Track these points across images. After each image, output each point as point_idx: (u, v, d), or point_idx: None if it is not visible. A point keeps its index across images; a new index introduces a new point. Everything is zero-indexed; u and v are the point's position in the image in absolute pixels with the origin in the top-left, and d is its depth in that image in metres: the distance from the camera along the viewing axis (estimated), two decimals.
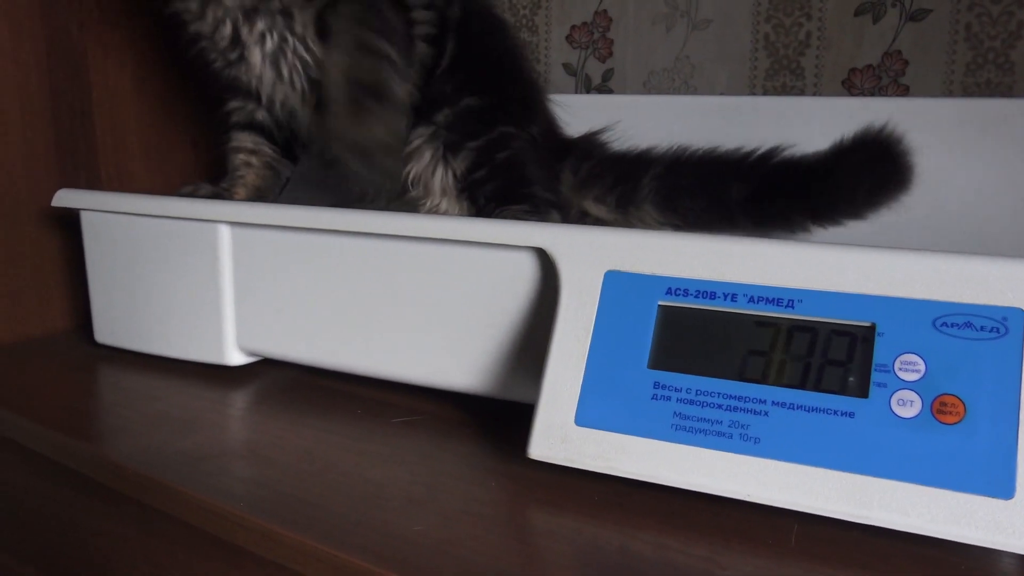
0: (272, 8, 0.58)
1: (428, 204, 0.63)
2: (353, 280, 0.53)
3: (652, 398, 0.41)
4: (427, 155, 0.62)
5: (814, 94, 0.92)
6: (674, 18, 0.99)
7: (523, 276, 0.47)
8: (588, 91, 1.05)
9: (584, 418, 0.42)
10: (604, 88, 1.04)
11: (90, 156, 0.69)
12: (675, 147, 0.68)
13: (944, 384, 0.37)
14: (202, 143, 0.79)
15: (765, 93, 0.94)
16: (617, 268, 0.44)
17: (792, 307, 0.40)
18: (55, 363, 0.62)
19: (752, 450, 0.39)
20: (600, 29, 1.03)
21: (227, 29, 0.59)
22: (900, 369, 0.37)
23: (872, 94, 0.89)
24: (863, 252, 0.39)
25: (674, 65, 0.99)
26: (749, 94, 0.95)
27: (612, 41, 1.03)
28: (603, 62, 1.04)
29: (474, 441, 0.48)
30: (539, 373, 0.43)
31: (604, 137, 0.75)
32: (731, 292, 0.41)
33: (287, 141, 0.67)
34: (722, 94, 0.97)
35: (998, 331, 0.37)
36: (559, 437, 0.42)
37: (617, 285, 0.44)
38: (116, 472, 0.46)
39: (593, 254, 0.44)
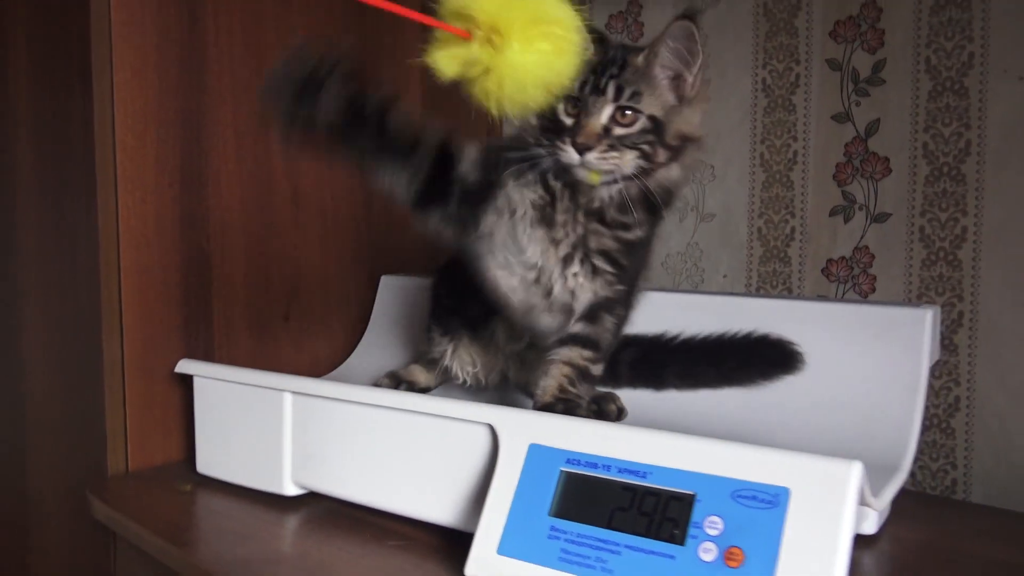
0: None
1: None
2: (373, 438, 0.72)
3: (548, 537, 0.58)
4: None
5: (800, 279, 1.08)
6: (685, 211, 1.18)
7: (478, 442, 0.66)
8: None
9: (504, 549, 0.59)
10: None
11: (208, 332, 0.94)
12: None
13: (734, 539, 0.52)
14: (293, 316, 1.03)
15: (759, 277, 1.11)
16: (537, 442, 0.62)
17: (645, 477, 0.57)
18: (171, 486, 0.85)
19: None
20: None
21: None
22: (707, 526, 0.53)
23: (845, 282, 1.04)
24: (690, 440, 0.56)
25: (686, 249, 1.18)
26: (746, 278, 1.12)
27: None
28: None
29: (437, 560, 0.66)
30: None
31: None
32: (607, 464, 0.59)
33: None
34: (724, 276, 1.14)
35: (772, 503, 0.52)
36: (486, 562, 0.59)
37: (536, 454, 0.62)
38: (196, 571, 0.67)
39: (522, 431, 0.63)
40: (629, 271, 0.76)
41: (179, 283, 0.92)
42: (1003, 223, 0.93)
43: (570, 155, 0.68)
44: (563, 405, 0.70)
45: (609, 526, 0.57)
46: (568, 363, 0.73)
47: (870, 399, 0.75)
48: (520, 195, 0.73)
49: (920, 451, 0.98)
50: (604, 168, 0.69)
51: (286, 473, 0.78)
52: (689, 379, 0.85)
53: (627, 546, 0.55)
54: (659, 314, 0.89)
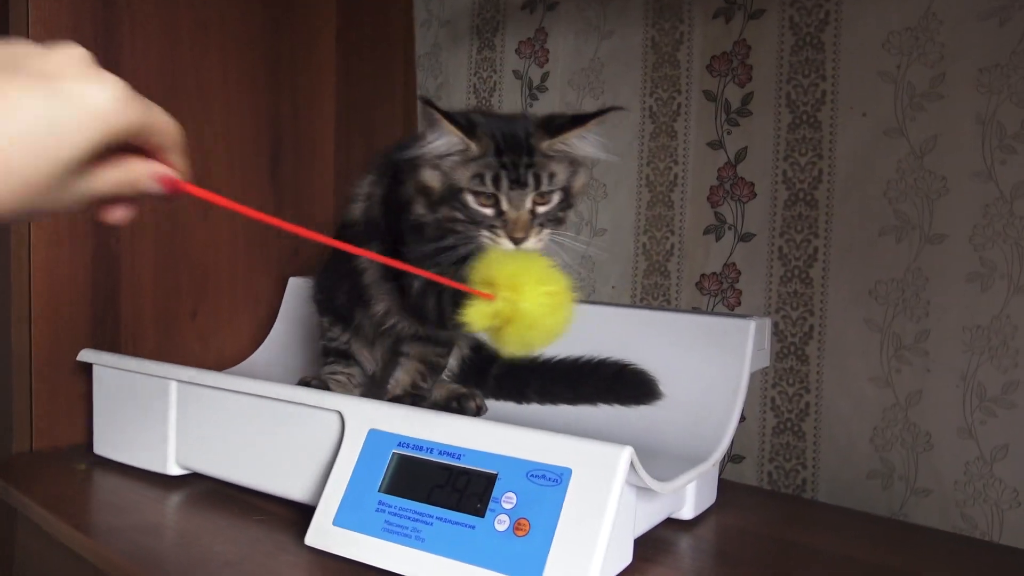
0: None
1: None
2: (245, 423, 0.80)
3: (376, 510, 0.66)
4: None
5: (677, 292, 1.17)
6: (581, 226, 1.27)
7: (329, 427, 0.73)
8: None
9: (338, 520, 0.67)
10: None
11: (115, 325, 1.01)
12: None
13: (523, 511, 0.61)
14: (200, 313, 1.11)
15: (643, 289, 1.20)
16: (376, 427, 0.70)
17: (460, 459, 0.65)
18: (69, 466, 0.92)
19: (420, 546, 0.63)
20: None
21: None
22: (504, 501, 0.62)
23: (716, 295, 1.13)
24: (497, 427, 0.64)
25: (580, 261, 1.27)
26: (631, 289, 1.21)
27: None
28: None
29: (290, 532, 0.73)
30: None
31: None
32: (431, 447, 0.67)
33: None
34: (613, 287, 1.23)
35: (557, 481, 0.61)
36: (323, 532, 0.67)
37: (374, 438, 0.70)
38: (78, 542, 0.74)
39: (364, 418, 0.71)
40: None
41: (88, 280, 0.99)
42: (848, 245, 1.03)
43: (506, 245, 0.72)
44: (411, 399, 0.79)
45: (427, 501, 0.65)
46: (422, 360, 0.82)
47: (700, 398, 0.84)
48: None
49: (776, 452, 1.07)
50: (538, 248, 0.74)
51: (171, 454, 0.85)
52: (548, 396, 0.92)
53: (439, 518, 0.64)
54: None
